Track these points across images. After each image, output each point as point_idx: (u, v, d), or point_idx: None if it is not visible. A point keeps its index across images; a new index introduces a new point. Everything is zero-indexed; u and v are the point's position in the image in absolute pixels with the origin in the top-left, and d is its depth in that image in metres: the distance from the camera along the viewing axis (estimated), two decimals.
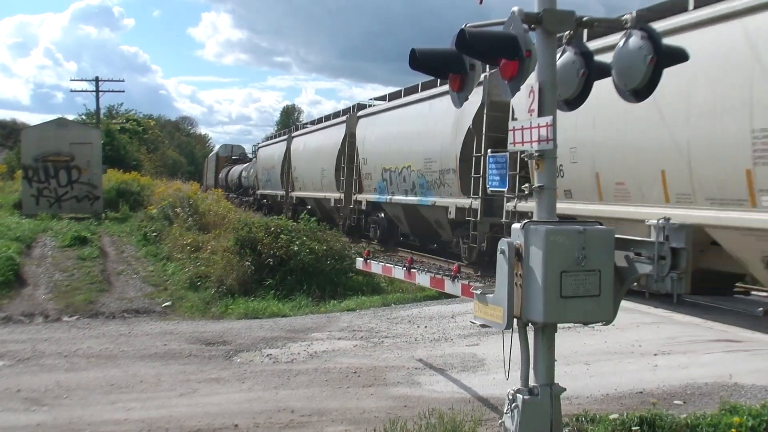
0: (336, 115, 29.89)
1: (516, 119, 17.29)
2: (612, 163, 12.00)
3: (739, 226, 9.61)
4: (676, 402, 6.65)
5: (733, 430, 5.57)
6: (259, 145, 47.37)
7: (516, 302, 4.55)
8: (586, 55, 5.09)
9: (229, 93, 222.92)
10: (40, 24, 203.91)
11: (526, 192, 4.91)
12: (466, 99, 5.26)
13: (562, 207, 12.74)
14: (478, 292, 4.92)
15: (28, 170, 28.77)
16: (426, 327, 10.62)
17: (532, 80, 4.78)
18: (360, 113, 25.89)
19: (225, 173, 59.49)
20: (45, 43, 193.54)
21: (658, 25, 9.87)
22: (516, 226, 4.62)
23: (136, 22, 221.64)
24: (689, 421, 5.77)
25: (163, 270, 16.66)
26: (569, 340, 8.78)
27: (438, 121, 18.95)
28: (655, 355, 8.38)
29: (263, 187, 42.40)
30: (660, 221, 4.55)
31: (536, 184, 4.81)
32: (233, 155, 64.55)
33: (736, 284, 12.84)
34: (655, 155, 10.87)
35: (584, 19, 4.98)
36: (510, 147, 5.00)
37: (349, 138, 26.01)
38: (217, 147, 76.53)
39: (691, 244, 4.51)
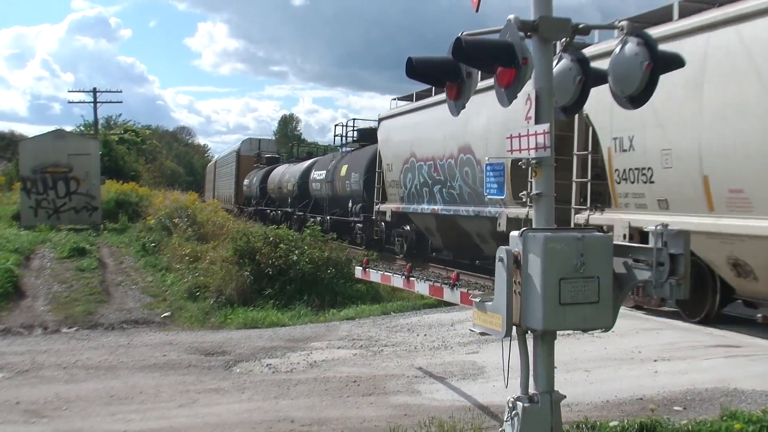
0: None
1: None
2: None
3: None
4: (676, 408, 6.64)
5: None
6: (390, 113, 23.09)
7: (515, 310, 4.55)
8: (582, 62, 5.11)
9: (226, 103, 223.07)
10: (36, 35, 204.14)
11: (524, 199, 4.91)
12: (463, 107, 5.27)
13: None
14: (477, 299, 4.91)
15: (27, 182, 28.78)
16: (425, 335, 10.61)
17: (528, 87, 4.80)
18: None
19: (257, 179, 42.35)
20: (42, 54, 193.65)
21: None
22: (514, 233, 4.62)
23: (132, 32, 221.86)
24: (689, 428, 5.77)
25: (162, 280, 16.66)
26: (569, 346, 8.76)
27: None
28: (655, 361, 8.37)
29: (407, 199, 21.28)
30: (658, 227, 4.55)
31: (534, 191, 4.82)
32: (264, 152, 46.79)
33: None
34: None
35: (580, 26, 5.00)
36: (507, 155, 5.01)
37: None
38: (236, 144, 54.18)
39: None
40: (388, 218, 22.77)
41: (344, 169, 27.32)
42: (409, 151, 20.71)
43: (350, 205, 26.44)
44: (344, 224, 27.08)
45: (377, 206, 23.32)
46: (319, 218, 29.20)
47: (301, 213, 32.63)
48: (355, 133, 29.57)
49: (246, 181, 45.51)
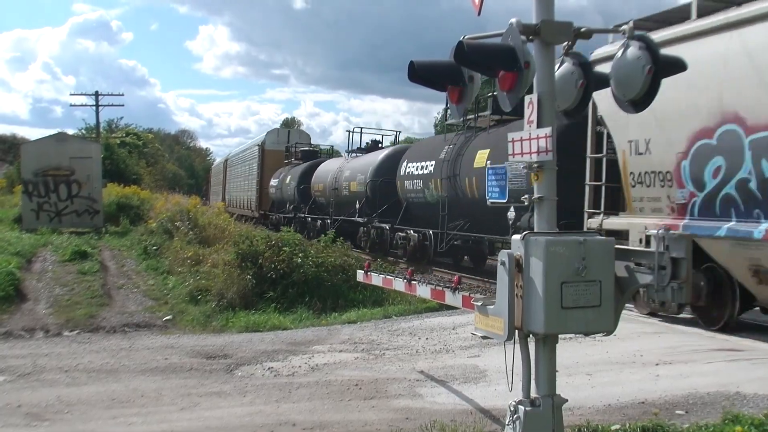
0: None
1: None
2: None
3: None
4: (678, 412, 6.63)
5: None
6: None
7: (517, 313, 4.55)
8: (584, 66, 5.12)
9: (227, 106, 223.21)
10: (38, 39, 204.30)
11: (526, 203, 4.91)
12: (465, 111, 5.27)
13: None
14: (479, 303, 4.92)
15: (28, 185, 28.79)
16: (427, 339, 10.61)
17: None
18: None
19: (293, 178, 33.07)
20: (43, 57, 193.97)
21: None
22: (516, 237, 4.62)
23: (134, 35, 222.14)
24: (691, 431, 5.76)
25: (164, 284, 16.66)
26: (570, 350, 8.76)
27: None
28: (657, 365, 8.36)
29: (701, 208, 10.32)
30: (660, 231, 4.55)
31: (536, 195, 4.82)
32: (298, 146, 37.46)
33: None
34: None
35: (582, 30, 5.01)
36: (509, 158, 5.01)
37: None
38: (258, 137, 44.84)
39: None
40: (636, 244, 11.03)
41: (482, 156, 17.29)
42: (715, 111, 10.01)
43: (511, 215, 15.22)
44: (484, 246, 19.37)
45: (597, 220, 12.50)
46: (413, 233, 20.90)
47: (385, 224, 22.66)
48: (489, 102, 18.15)
49: (273, 182, 36.63)
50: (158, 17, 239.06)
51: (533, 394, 4.72)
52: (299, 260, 14.90)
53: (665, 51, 4.93)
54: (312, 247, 16.13)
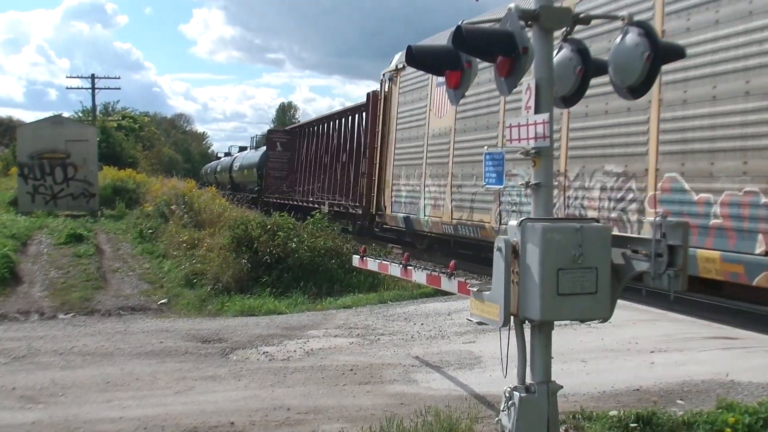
0: None
1: None
2: None
3: None
4: (673, 400, 6.65)
5: (728, 429, 5.56)
6: None
7: (513, 300, 4.54)
8: (583, 52, 5.09)
9: (223, 90, 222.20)
10: (31, 21, 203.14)
11: (524, 188, 4.89)
12: (463, 96, 5.24)
13: None
14: (475, 289, 4.90)
15: (24, 167, 28.68)
16: (422, 324, 10.61)
17: (528, 77, 4.77)
18: None
19: None
20: (37, 39, 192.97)
21: None
22: (513, 223, 4.61)
23: (129, 18, 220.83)
24: (686, 419, 5.77)
25: (159, 267, 16.64)
26: (566, 337, 8.77)
27: None
28: (652, 352, 8.37)
29: None
30: (657, 218, 4.54)
31: (533, 182, 4.80)
32: None
33: None
34: None
35: (581, 15, 4.97)
36: (507, 144, 4.99)
37: None
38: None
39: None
40: None
41: None
42: None
43: None
44: None
45: None
46: None
47: None
48: None
49: None
50: (152, 0, 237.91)
51: (528, 380, 4.72)
52: (294, 245, 14.89)
53: None
54: (304, 230, 16.08)
